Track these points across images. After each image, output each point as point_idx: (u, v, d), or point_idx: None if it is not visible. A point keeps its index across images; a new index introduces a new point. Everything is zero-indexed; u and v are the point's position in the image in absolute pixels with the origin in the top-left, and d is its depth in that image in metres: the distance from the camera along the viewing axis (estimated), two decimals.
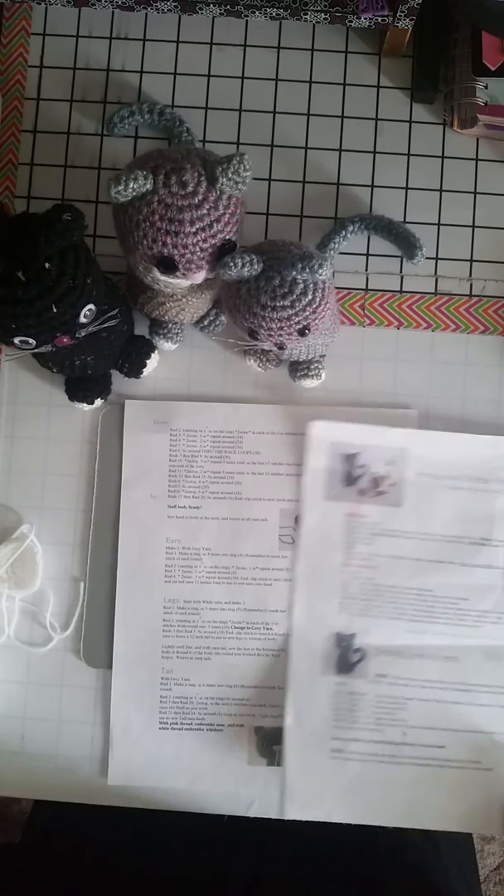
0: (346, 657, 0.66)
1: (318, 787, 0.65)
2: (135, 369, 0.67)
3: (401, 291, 0.70)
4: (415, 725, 0.65)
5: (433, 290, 0.70)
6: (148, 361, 0.67)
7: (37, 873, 0.68)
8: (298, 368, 0.67)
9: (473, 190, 0.71)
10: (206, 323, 0.68)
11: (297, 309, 0.54)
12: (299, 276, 0.53)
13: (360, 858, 0.68)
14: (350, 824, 0.66)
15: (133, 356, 0.67)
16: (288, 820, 0.66)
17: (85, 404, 0.67)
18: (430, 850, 0.71)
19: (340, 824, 0.66)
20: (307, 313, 0.54)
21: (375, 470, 0.67)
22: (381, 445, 0.67)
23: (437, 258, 0.70)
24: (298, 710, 0.65)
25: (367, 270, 0.70)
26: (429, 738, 0.65)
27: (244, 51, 0.71)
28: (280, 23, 0.71)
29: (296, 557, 0.67)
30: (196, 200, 0.51)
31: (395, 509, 0.67)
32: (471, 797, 0.64)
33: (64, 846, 0.70)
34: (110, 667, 0.67)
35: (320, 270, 0.52)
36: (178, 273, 0.54)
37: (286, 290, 0.53)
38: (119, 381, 0.69)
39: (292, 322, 0.54)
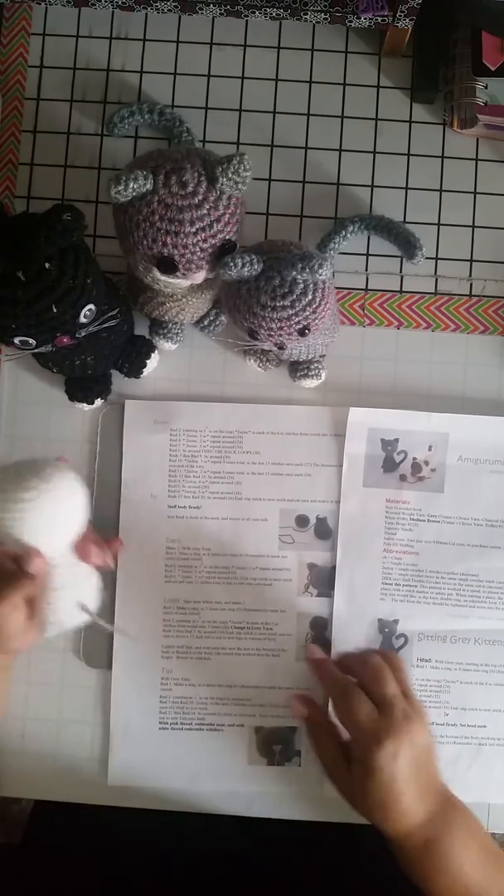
0: (390, 643, 0.67)
1: None
2: (135, 369, 0.67)
3: (401, 291, 0.70)
4: (457, 707, 0.66)
5: (433, 290, 0.70)
6: (148, 361, 0.67)
7: (37, 873, 0.68)
8: (298, 368, 0.67)
9: (473, 190, 0.71)
10: (206, 323, 0.68)
11: (297, 309, 0.54)
12: (299, 276, 0.53)
13: (358, 858, 0.68)
14: (349, 824, 0.66)
15: (133, 356, 0.67)
16: (288, 820, 0.66)
17: (85, 404, 0.67)
18: None
19: (339, 824, 0.66)
20: (307, 313, 0.54)
21: (416, 455, 0.68)
22: (421, 430, 0.68)
23: (437, 258, 0.70)
24: None
25: (367, 270, 0.70)
26: (470, 719, 0.66)
27: (244, 51, 0.71)
28: (280, 23, 0.71)
29: (335, 545, 0.67)
30: (196, 200, 0.51)
31: (437, 495, 0.67)
32: None
33: (64, 846, 0.70)
34: (110, 667, 0.67)
35: (320, 270, 0.52)
36: (178, 273, 0.54)
37: (286, 290, 0.53)
38: (119, 381, 0.69)
39: (292, 322, 0.54)
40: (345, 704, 0.54)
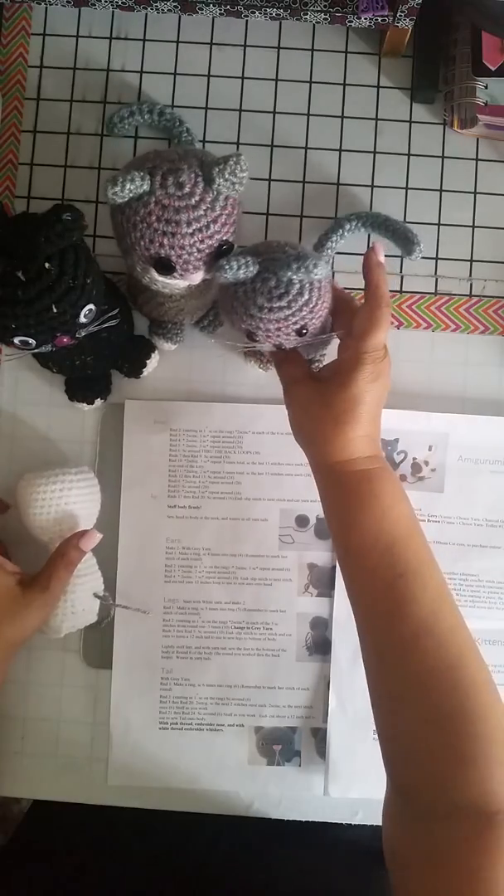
0: None
1: (361, 768, 0.66)
2: (135, 369, 0.67)
3: (401, 291, 0.70)
4: None
5: (433, 290, 0.70)
6: (148, 361, 0.67)
7: (36, 873, 0.68)
8: None
9: (473, 190, 0.71)
10: (205, 323, 0.68)
11: (294, 309, 0.54)
12: (295, 277, 0.53)
13: (357, 857, 0.68)
14: (349, 824, 0.66)
15: (133, 356, 0.67)
16: (287, 820, 0.66)
17: (85, 404, 0.67)
18: None
19: (339, 824, 0.66)
20: (304, 313, 0.54)
21: (416, 455, 0.67)
22: (421, 430, 0.68)
23: (437, 258, 0.70)
24: (341, 696, 0.66)
25: None
26: None
27: (244, 51, 0.71)
28: (280, 23, 0.71)
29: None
30: (193, 201, 0.51)
31: (437, 495, 0.68)
32: None
33: (64, 846, 0.70)
34: (110, 667, 0.67)
35: (315, 270, 0.52)
36: (175, 274, 0.54)
37: (282, 291, 0.53)
38: (119, 381, 0.69)
39: (289, 322, 0.54)
40: (380, 321, 0.56)
